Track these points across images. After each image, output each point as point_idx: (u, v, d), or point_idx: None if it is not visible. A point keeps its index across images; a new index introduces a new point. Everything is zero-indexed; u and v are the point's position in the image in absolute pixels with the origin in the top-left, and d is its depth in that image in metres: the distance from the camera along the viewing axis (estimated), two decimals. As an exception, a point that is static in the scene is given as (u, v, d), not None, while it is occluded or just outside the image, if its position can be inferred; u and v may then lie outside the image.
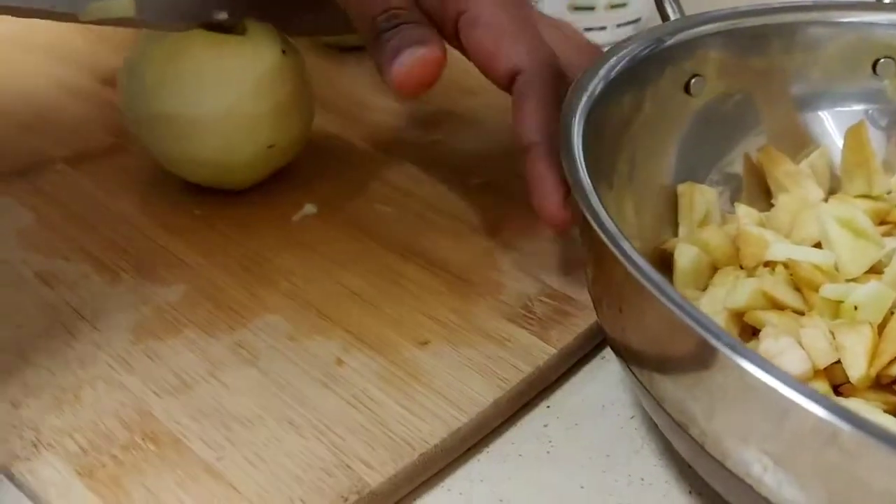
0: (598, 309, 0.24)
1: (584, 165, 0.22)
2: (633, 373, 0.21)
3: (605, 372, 0.30)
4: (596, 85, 0.26)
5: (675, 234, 0.31)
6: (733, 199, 0.32)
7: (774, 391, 0.15)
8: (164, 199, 0.37)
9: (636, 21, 0.54)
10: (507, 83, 0.31)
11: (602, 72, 0.27)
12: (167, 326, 0.30)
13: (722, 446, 0.18)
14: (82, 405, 0.27)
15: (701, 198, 0.31)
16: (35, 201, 0.36)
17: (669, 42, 0.29)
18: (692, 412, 0.19)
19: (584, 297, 0.31)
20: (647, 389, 0.21)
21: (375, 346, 0.29)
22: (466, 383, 0.28)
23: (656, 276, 0.18)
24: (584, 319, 0.30)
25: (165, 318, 0.30)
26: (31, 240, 0.34)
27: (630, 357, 0.22)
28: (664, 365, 0.20)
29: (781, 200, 0.30)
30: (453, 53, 0.43)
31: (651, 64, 0.29)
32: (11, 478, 0.25)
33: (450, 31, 0.32)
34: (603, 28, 0.53)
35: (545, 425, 0.28)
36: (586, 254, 0.24)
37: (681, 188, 0.32)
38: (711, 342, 0.17)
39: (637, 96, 0.29)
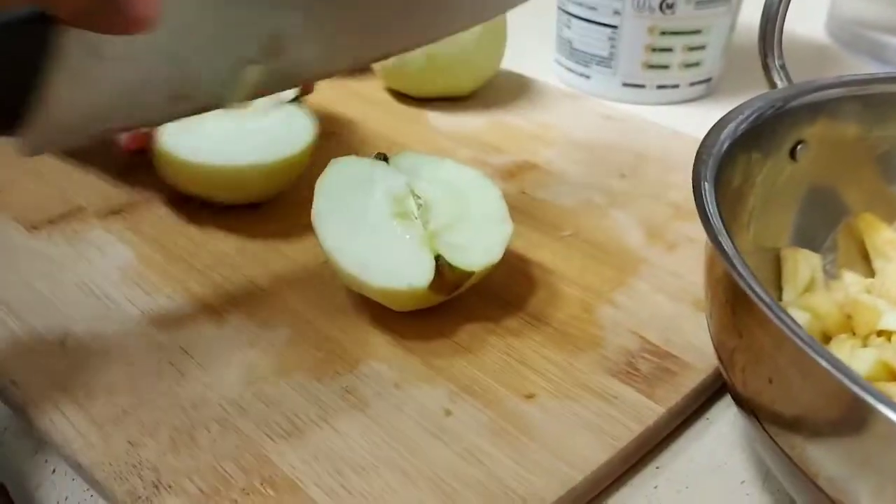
0: (735, 377, 0.24)
1: (725, 232, 0.23)
2: (780, 445, 0.21)
3: (712, 433, 0.30)
4: (721, 144, 0.27)
5: (778, 298, 0.31)
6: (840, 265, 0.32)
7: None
8: (262, 242, 0.37)
9: (708, 80, 0.55)
10: None
11: (725, 133, 0.27)
12: (276, 369, 0.30)
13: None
14: (199, 447, 0.27)
15: (805, 263, 0.31)
16: (133, 240, 0.37)
17: (782, 108, 0.30)
18: (855, 490, 0.19)
19: (686, 355, 0.31)
20: (795, 464, 0.21)
21: (481, 397, 0.29)
22: (577, 440, 0.28)
23: (826, 350, 0.18)
24: (689, 378, 0.30)
25: (273, 361, 0.31)
26: (133, 278, 0.35)
27: (777, 430, 0.22)
28: (825, 440, 0.20)
29: (886, 268, 0.30)
30: (535, 118, 0.44)
31: (766, 128, 0.29)
32: (134, 518, 0.25)
33: None
34: (676, 86, 0.54)
35: (655, 487, 0.28)
36: (725, 321, 0.24)
37: (784, 252, 0.32)
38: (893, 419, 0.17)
39: (755, 158, 0.29)
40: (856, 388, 0.18)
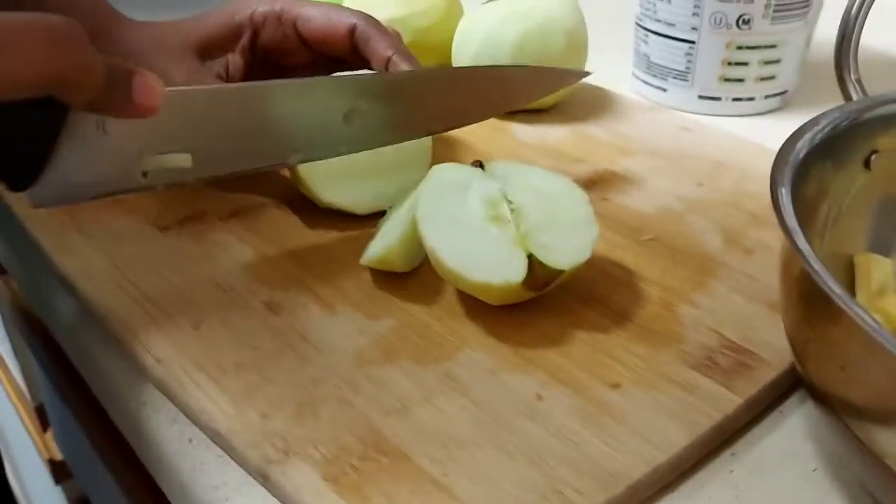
0: (809, 367, 0.26)
1: (800, 230, 0.25)
2: (850, 428, 0.24)
3: (785, 426, 0.32)
4: (798, 152, 0.29)
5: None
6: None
7: None
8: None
9: (783, 93, 0.56)
10: (349, 39, 0.43)
11: (801, 143, 0.30)
12: (382, 355, 0.34)
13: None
14: (320, 420, 0.31)
15: (878, 269, 0.33)
16: (252, 239, 0.41)
17: (857, 120, 0.32)
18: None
19: (762, 352, 0.33)
20: (865, 444, 0.23)
21: (570, 385, 0.32)
22: (660, 425, 0.30)
23: (892, 337, 0.20)
24: (766, 373, 0.32)
25: (380, 348, 0.34)
26: (254, 272, 0.39)
27: (848, 414, 0.24)
28: (893, 422, 0.22)
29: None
30: (614, 129, 0.46)
31: (841, 138, 0.31)
32: (267, 478, 0.29)
33: (293, 39, 0.44)
34: (752, 99, 0.55)
35: (731, 471, 0.30)
36: (799, 314, 0.26)
37: (857, 259, 0.34)
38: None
39: (829, 167, 0.31)
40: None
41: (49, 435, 0.75)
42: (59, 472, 0.73)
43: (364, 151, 0.40)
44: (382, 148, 0.41)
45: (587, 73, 0.47)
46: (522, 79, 0.44)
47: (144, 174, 0.34)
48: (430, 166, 0.39)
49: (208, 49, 0.42)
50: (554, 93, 0.49)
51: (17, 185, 0.32)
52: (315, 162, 0.40)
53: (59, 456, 0.74)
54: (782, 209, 0.27)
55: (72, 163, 0.32)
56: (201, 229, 0.42)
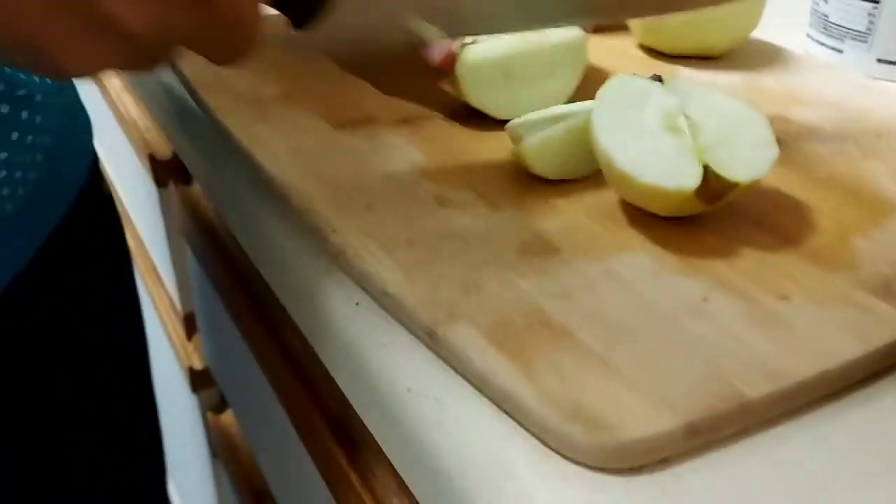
0: None
1: None
2: None
3: (965, 358, 0.31)
4: None
5: None
6: None
7: None
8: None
9: (970, 63, 0.53)
10: None
11: None
12: (545, 248, 0.34)
13: None
14: (486, 295, 0.32)
15: None
16: (420, 143, 0.43)
17: None
18: None
19: (945, 286, 0.32)
20: None
21: (737, 292, 0.32)
22: (831, 336, 0.30)
23: None
24: (947, 305, 0.31)
25: (542, 242, 0.35)
26: (423, 171, 0.40)
27: None
28: None
29: None
30: (786, 82, 0.44)
31: None
32: (434, 336, 0.30)
33: None
34: (925, 71, 0.52)
35: (902, 391, 0.29)
36: None
37: None
38: None
39: None
40: None
41: (192, 345, 0.80)
42: (198, 379, 0.78)
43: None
44: (537, 55, 0.43)
45: None
46: None
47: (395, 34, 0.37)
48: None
49: None
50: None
51: (300, 23, 0.35)
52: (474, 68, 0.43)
53: (198, 365, 0.79)
54: None
55: (347, 7, 0.34)
56: (372, 132, 0.44)
